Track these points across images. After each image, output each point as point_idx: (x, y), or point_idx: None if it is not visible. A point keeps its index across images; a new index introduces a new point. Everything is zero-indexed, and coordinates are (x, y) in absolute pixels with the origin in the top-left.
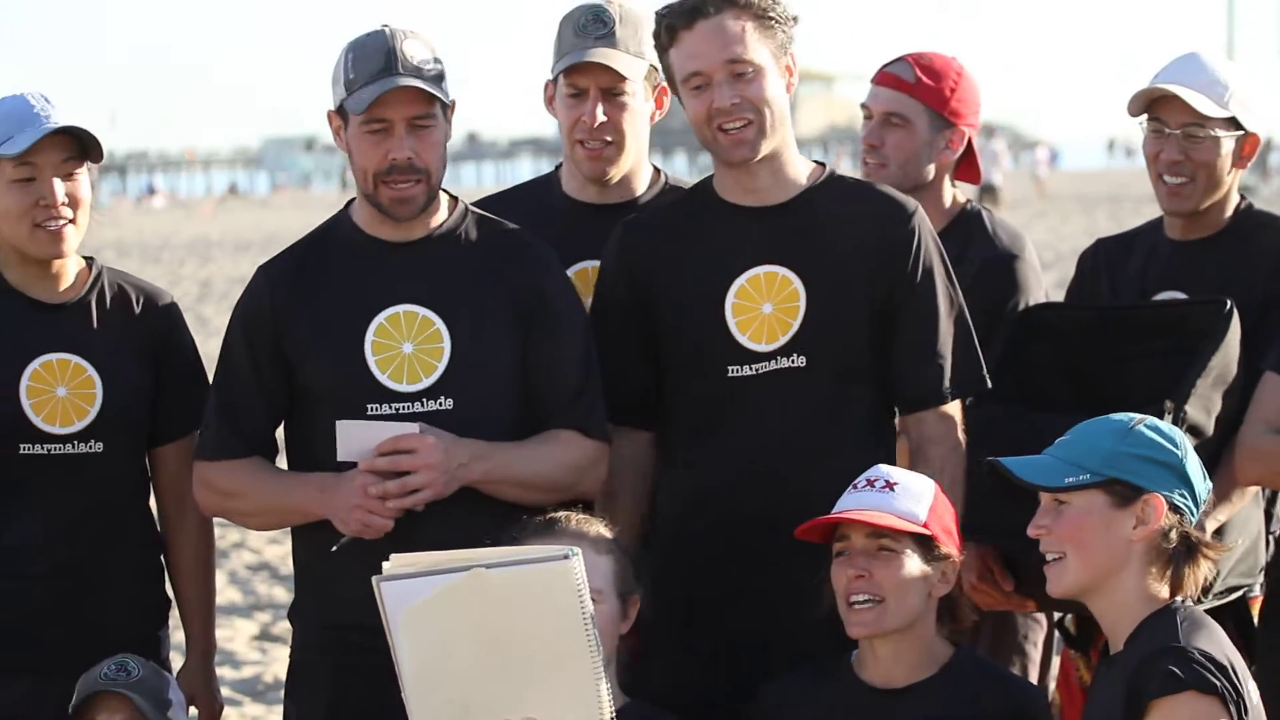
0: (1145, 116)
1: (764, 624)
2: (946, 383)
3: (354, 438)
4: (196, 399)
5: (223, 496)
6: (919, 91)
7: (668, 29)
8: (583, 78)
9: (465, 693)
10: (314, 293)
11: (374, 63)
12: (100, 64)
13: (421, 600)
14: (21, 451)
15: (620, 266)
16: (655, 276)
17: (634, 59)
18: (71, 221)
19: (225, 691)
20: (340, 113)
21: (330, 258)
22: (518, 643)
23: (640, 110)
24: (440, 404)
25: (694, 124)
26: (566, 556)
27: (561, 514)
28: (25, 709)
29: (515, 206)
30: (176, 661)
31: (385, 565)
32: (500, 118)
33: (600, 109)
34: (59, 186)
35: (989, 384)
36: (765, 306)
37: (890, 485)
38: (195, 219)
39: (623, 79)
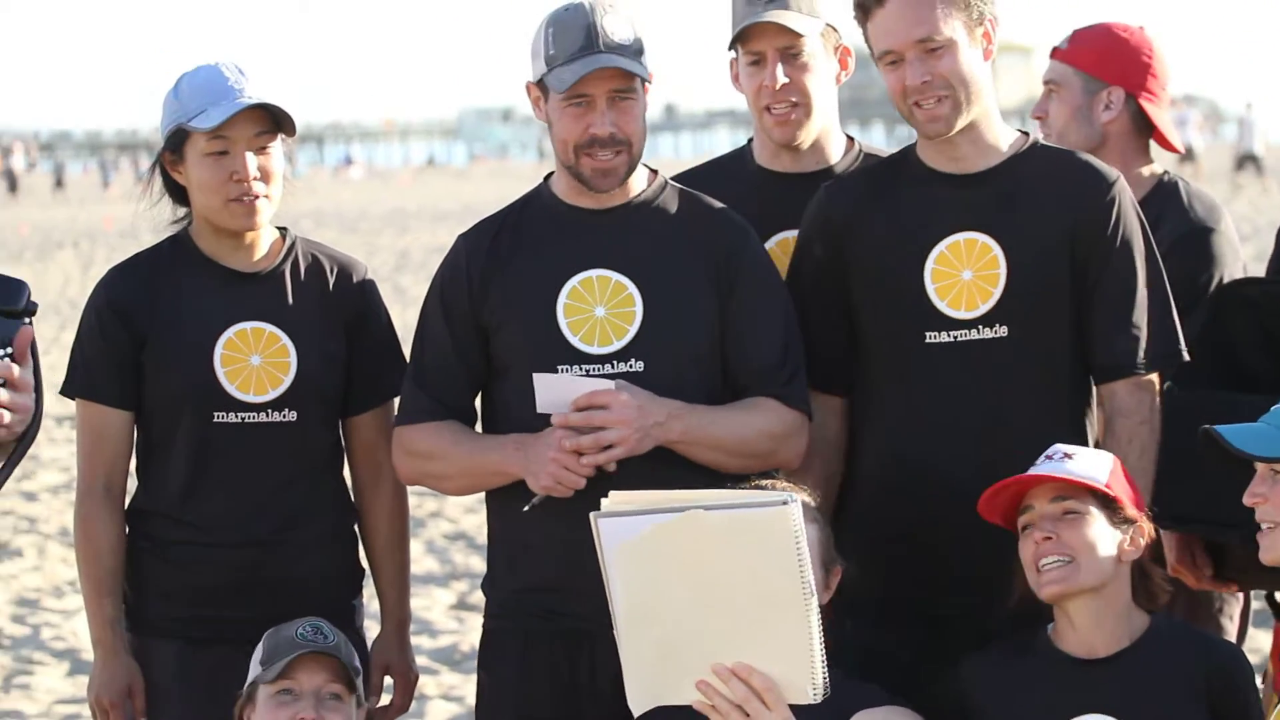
0: None
1: (952, 597)
2: (1141, 354)
3: (550, 391)
4: (390, 368)
5: (421, 460)
6: (1068, 56)
7: (860, 6)
8: (758, 42)
9: (676, 633)
10: (509, 259)
11: (574, 39)
12: (301, 34)
13: (637, 537)
14: (215, 420)
15: (819, 228)
16: (855, 239)
17: (807, 18)
18: (265, 195)
19: (422, 660)
20: (540, 85)
21: (527, 226)
22: (732, 587)
23: (823, 70)
24: (630, 366)
25: (891, 97)
26: (786, 503)
27: (766, 480)
28: (215, 680)
29: (709, 181)
30: (372, 631)
31: (604, 502)
32: (697, 89)
33: (780, 70)
34: (251, 160)
35: (1185, 356)
36: (965, 274)
37: (1068, 455)
38: (392, 189)
39: (798, 37)
